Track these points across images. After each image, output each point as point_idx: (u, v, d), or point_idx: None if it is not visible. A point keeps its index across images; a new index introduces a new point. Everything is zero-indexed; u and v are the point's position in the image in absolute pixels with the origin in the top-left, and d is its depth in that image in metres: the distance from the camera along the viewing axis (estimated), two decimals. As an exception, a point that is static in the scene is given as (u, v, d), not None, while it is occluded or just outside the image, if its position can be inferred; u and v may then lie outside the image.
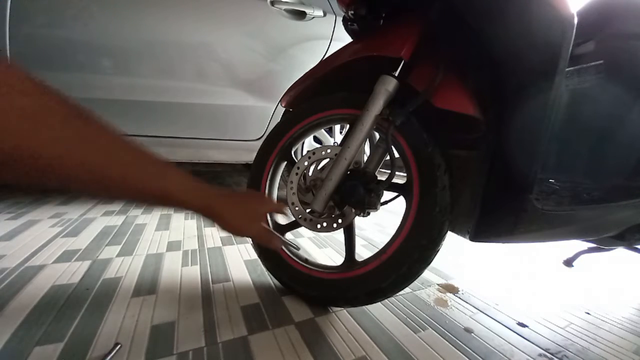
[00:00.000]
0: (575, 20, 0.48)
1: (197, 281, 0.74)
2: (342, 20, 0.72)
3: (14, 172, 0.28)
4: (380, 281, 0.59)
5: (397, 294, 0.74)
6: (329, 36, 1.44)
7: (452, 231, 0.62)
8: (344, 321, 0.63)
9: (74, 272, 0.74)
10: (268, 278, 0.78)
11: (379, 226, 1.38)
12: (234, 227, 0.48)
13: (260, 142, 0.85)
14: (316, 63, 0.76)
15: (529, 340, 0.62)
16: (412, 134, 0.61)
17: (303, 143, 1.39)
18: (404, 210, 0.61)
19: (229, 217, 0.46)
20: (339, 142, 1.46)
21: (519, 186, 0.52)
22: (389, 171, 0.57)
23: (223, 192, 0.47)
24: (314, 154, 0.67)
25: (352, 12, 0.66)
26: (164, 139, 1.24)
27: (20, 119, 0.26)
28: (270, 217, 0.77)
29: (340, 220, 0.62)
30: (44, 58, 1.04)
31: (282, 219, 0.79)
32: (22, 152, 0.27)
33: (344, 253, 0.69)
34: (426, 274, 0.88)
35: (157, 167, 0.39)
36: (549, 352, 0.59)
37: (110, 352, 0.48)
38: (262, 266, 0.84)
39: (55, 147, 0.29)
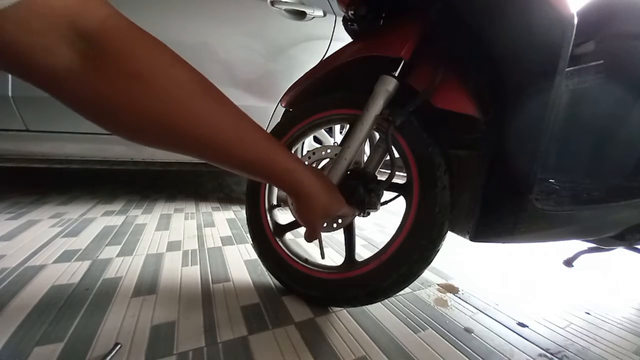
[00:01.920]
0: (575, 20, 0.48)
1: (197, 281, 0.74)
2: (342, 20, 0.72)
3: (164, 139, 0.32)
4: (380, 281, 0.59)
5: (397, 294, 0.74)
6: (329, 36, 1.44)
7: (452, 231, 0.62)
8: (344, 321, 0.63)
9: (74, 272, 0.74)
10: (268, 278, 0.78)
11: (379, 226, 1.38)
12: (307, 222, 0.51)
13: (260, 142, 0.85)
14: (316, 63, 0.76)
15: (529, 340, 0.62)
16: (412, 134, 0.61)
17: (303, 143, 1.39)
18: (404, 210, 0.61)
19: (310, 213, 0.48)
20: (339, 142, 1.46)
21: (519, 186, 0.52)
22: (389, 171, 0.57)
23: (318, 184, 0.47)
24: (314, 154, 0.67)
25: (352, 12, 0.66)
26: (164, 139, 1.24)
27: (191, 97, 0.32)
28: (270, 217, 0.77)
29: (340, 220, 0.62)
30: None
31: (282, 219, 0.79)
32: (179, 125, 0.31)
33: (344, 253, 0.69)
34: (426, 274, 0.88)
35: (269, 145, 0.41)
36: (549, 352, 0.59)
37: (110, 352, 0.48)
38: (262, 266, 0.84)
39: (202, 126, 0.33)
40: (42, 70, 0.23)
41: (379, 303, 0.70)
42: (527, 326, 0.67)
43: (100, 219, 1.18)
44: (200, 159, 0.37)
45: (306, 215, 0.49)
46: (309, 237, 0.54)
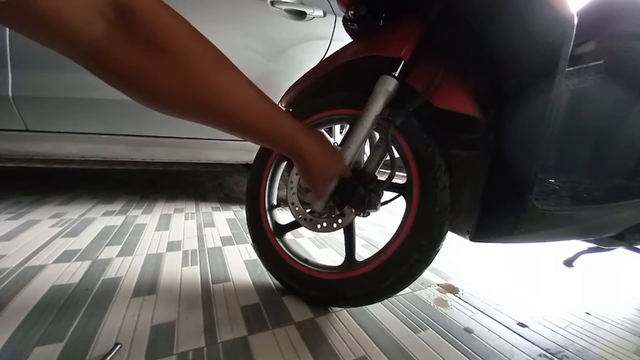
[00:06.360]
0: (575, 20, 0.48)
1: (197, 281, 0.74)
2: (342, 20, 0.72)
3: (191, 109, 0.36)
4: (380, 281, 0.59)
5: (397, 294, 0.74)
6: (329, 36, 1.44)
7: (452, 231, 0.62)
8: (344, 321, 0.63)
9: (74, 272, 0.74)
10: (268, 278, 0.78)
11: (379, 226, 1.38)
12: (310, 182, 0.55)
13: (260, 142, 0.85)
14: (316, 63, 0.76)
15: (529, 340, 0.62)
16: (412, 134, 0.61)
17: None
18: (404, 210, 0.61)
19: (311, 174, 0.53)
20: (339, 142, 1.46)
21: (519, 186, 0.52)
22: (389, 171, 0.57)
23: (318, 149, 0.52)
24: (314, 154, 0.67)
25: (352, 12, 0.66)
26: (164, 139, 1.24)
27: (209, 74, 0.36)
28: (270, 217, 0.77)
29: (340, 221, 0.62)
30: (44, 58, 1.04)
31: (282, 219, 0.79)
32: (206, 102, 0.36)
33: (344, 253, 0.69)
34: (426, 274, 0.88)
35: (276, 114, 0.45)
36: (549, 352, 0.59)
37: (110, 352, 0.48)
38: (262, 266, 0.84)
39: (223, 101, 0.37)
40: (80, 42, 0.27)
41: (379, 303, 0.70)
42: (527, 326, 0.67)
43: (100, 219, 1.18)
44: (216, 127, 0.40)
45: (308, 176, 0.54)
46: (316, 197, 0.58)
